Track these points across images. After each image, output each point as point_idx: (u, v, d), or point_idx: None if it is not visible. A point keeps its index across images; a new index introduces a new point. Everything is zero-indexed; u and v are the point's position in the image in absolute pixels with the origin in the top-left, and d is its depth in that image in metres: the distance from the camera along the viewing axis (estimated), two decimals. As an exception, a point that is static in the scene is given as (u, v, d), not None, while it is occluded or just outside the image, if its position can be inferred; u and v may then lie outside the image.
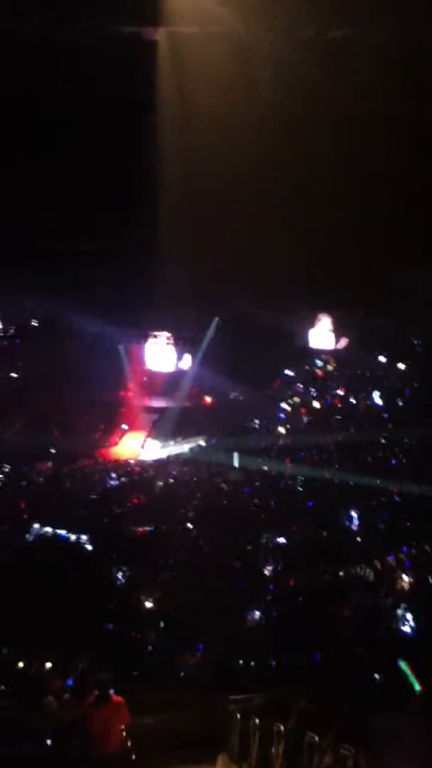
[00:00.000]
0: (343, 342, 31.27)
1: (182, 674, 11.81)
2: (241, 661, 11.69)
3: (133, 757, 6.89)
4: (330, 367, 30.30)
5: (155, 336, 31.69)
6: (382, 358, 28.59)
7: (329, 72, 20.90)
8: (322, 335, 31.57)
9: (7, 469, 24.07)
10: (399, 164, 21.75)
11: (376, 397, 26.80)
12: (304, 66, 20.99)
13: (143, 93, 23.68)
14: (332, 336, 31.10)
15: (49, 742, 7.08)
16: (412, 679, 9.17)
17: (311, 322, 31.52)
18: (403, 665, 9.32)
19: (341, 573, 15.42)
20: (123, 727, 7.23)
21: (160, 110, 24.37)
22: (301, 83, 21.48)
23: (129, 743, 7.11)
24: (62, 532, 18.53)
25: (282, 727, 7.94)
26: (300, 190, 24.05)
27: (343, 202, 23.82)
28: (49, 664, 11.15)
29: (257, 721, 8.57)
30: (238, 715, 9.29)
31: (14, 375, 31.35)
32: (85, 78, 22.09)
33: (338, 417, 26.14)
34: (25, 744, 7.10)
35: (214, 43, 21.36)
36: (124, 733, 7.22)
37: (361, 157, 22.86)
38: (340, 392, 28.22)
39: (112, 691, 7.33)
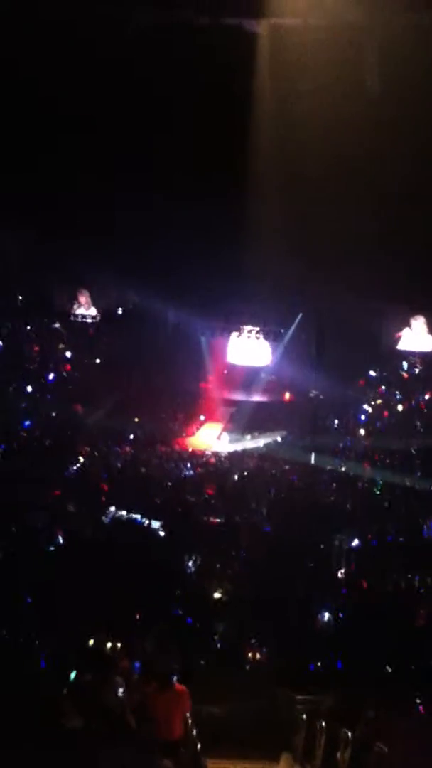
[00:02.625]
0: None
1: (248, 667, 11.75)
2: (308, 661, 11.51)
3: (198, 746, 6.87)
4: (417, 370, 29.42)
5: (241, 329, 31.63)
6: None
7: None
8: (417, 336, 30.48)
9: (89, 451, 24.66)
10: None
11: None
12: (413, 55, 20.28)
13: (243, 85, 23.59)
14: (429, 337, 29.93)
15: (115, 720, 7.14)
16: None
17: (400, 323, 30.62)
18: None
19: (417, 580, 14.99)
20: (187, 714, 7.23)
21: (259, 102, 24.22)
22: (408, 73, 20.80)
23: (194, 731, 7.10)
24: (137, 516, 18.79)
25: (350, 734, 7.75)
26: (400, 186, 23.36)
27: None
28: (118, 645, 11.34)
29: (324, 724, 8.40)
30: (305, 716, 9.15)
31: (98, 360, 32.07)
32: (185, 69, 22.20)
33: (422, 421, 25.38)
34: (93, 721, 7.19)
35: (317, 33, 21.02)
36: (189, 721, 7.22)
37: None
38: (426, 396, 27.40)
39: (175, 678, 7.36)
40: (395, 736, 7.17)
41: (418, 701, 9.13)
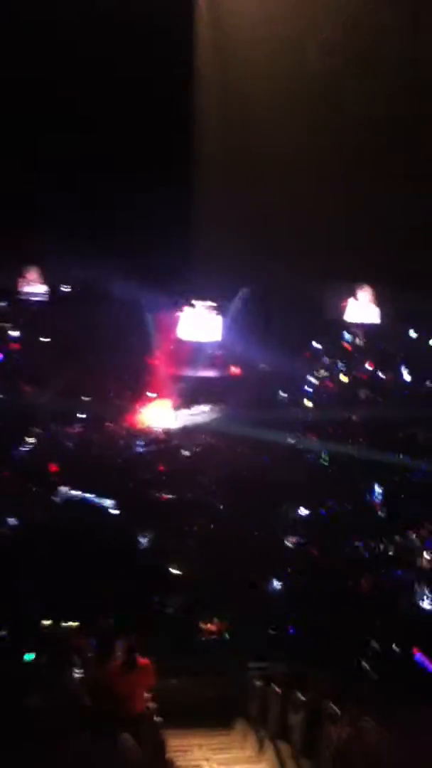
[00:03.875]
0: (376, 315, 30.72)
1: (202, 639, 12.04)
2: (261, 631, 11.87)
3: (156, 718, 7.06)
4: (359, 341, 29.92)
5: (192, 304, 31.46)
6: (413, 333, 28.20)
7: (388, 29, 20.17)
8: (362, 307, 30.80)
9: (37, 432, 24.38)
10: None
11: (405, 373, 26.56)
12: (359, 21, 20.25)
13: (185, 55, 23.25)
14: (374, 309, 30.28)
15: (73, 699, 7.26)
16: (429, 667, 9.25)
17: (344, 294, 30.95)
18: (418, 659, 9.41)
19: (362, 547, 15.53)
20: (148, 689, 7.41)
21: (202, 75, 23.92)
22: (352, 42, 20.79)
23: (152, 704, 7.29)
24: (89, 495, 18.80)
25: (302, 697, 8.09)
26: (342, 156, 23.50)
27: (391, 170, 23.23)
28: (73, 623, 11.45)
29: (277, 689, 8.73)
30: (258, 683, 9.49)
31: (44, 339, 31.55)
32: (121, 42, 21.75)
33: (366, 392, 25.97)
34: (49, 701, 7.30)
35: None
36: (149, 695, 7.40)
37: (413, 123, 22.19)
38: (369, 367, 27.96)
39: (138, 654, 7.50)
40: (348, 697, 7.52)
41: (363, 663, 9.57)
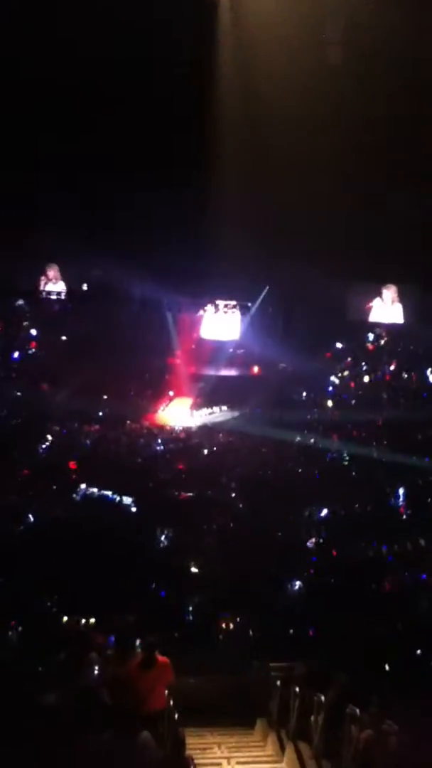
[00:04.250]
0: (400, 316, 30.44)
1: (222, 638, 11.96)
2: (281, 630, 11.76)
3: (176, 716, 6.99)
4: (382, 342, 29.69)
5: (216, 304, 31.46)
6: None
7: (407, 29, 19.96)
8: (386, 307, 30.52)
9: (57, 430, 24.50)
10: None
11: (430, 375, 26.29)
12: (375, 24, 20.10)
13: (204, 58, 23.21)
14: (399, 308, 29.96)
15: (92, 697, 7.21)
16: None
17: (369, 294, 30.71)
18: None
19: (384, 549, 15.35)
20: (167, 687, 7.35)
21: (222, 77, 23.87)
22: (370, 44, 20.64)
23: (172, 703, 7.23)
24: (108, 493, 18.82)
25: (322, 697, 7.98)
26: (366, 156, 23.33)
27: (410, 169, 23.01)
28: (92, 621, 11.43)
29: (297, 689, 8.63)
30: (279, 683, 9.39)
31: (64, 338, 31.72)
32: (141, 38, 21.73)
33: (388, 393, 25.75)
34: (67, 699, 7.27)
35: (279, 5, 20.72)
36: (167, 693, 7.33)
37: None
38: (392, 367, 27.73)
39: (157, 652, 7.44)
40: (370, 699, 7.40)
41: (387, 665, 9.43)
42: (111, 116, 23.28)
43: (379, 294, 30.17)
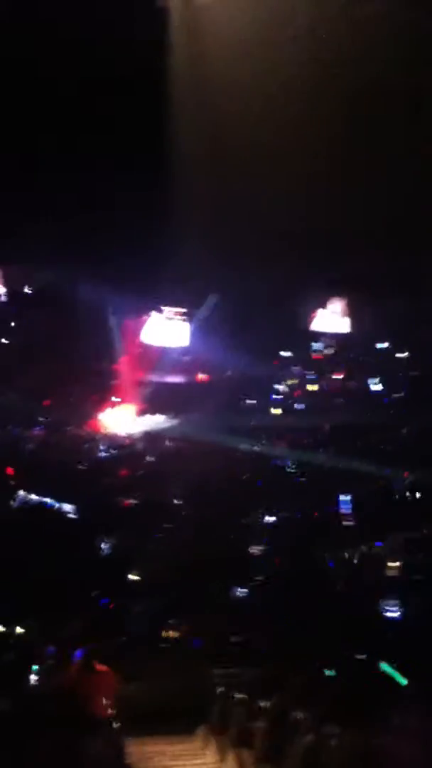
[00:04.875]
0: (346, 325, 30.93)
1: (166, 646, 11.77)
2: (225, 637, 11.65)
3: (117, 725, 6.79)
4: (330, 351, 30.11)
5: (160, 310, 31.30)
6: (384, 345, 28.47)
7: (361, 30, 20.18)
8: (333, 317, 30.96)
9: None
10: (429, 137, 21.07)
11: (375, 384, 26.77)
12: (338, 22, 20.22)
13: (161, 57, 23.09)
14: (346, 319, 30.41)
15: (34, 706, 6.98)
16: (397, 676, 9.15)
17: (316, 303, 31.12)
18: (384, 666, 9.31)
19: (327, 556, 15.46)
20: (107, 695, 7.14)
21: (177, 77, 23.80)
22: (333, 41, 20.74)
23: (113, 711, 7.02)
24: (47, 500, 18.41)
25: (266, 704, 7.88)
26: (318, 164, 23.50)
27: (364, 175, 23.24)
28: (31, 629, 11.09)
29: (240, 696, 8.52)
30: (221, 689, 9.26)
31: (5, 341, 31.05)
32: (96, 41, 21.50)
33: (335, 401, 26.10)
34: (10, 708, 7.00)
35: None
36: (108, 701, 7.13)
37: (385, 128, 22.16)
38: (339, 376, 28.14)
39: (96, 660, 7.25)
40: (313, 704, 7.35)
41: (330, 671, 9.40)
42: (65, 114, 22.91)
43: (327, 303, 30.66)
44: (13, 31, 20.48)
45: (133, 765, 6.63)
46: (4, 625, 11.23)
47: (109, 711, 7.12)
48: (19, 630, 11.07)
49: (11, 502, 18.29)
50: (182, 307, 31.30)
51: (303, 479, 19.76)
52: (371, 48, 20.32)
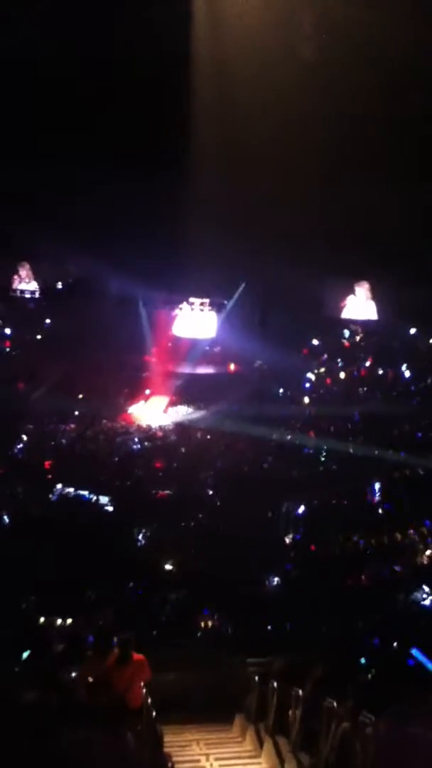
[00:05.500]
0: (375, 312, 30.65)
1: (200, 635, 11.97)
2: (259, 626, 11.80)
3: (154, 713, 6.97)
4: (358, 338, 29.89)
5: (190, 301, 31.39)
6: (413, 330, 28.17)
7: (382, 25, 19.97)
8: (360, 303, 30.70)
9: (32, 429, 24.31)
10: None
11: (405, 370, 26.52)
12: (351, 16, 20.07)
13: (179, 50, 23.04)
14: (372, 305, 30.15)
15: (73, 696, 7.19)
16: (428, 664, 9.19)
17: (343, 290, 30.88)
18: (416, 654, 9.35)
19: (362, 543, 15.48)
20: (143, 684, 7.33)
21: (197, 69, 23.72)
22: (347, 35, 20.59)
23: (149, 700, 7.21)
24: (84, 493, 18.72)
25: (300, 692, 8.01)
26: (341, 151, 23.33)
27: (387, 165, 23.06)
28: (69, 620, 11.38)
29: (275, 684, 8.65)
30: (257, 678, 9.41)
31: (39, 337, 31.49)
32: (116, 31, 21.50)
33: (365, 389, 25.94)
34: (46, 697, 7.22)
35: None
36: (145, 690, 7.32)
37: (410, 117, 21.97)
38: (368, 363, 27.94)
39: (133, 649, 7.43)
40: (346, 692, 7.44)
41: (364, 658, 9.50)
42: (85, 112, 23.06)
43: (353, 290, 30.40)
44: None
45: (171, 753, 6.80)
46: (41, 616, 11.55)
47: (146, 700, 7.32)
48: (59, 621, 11.38)
49: (50, 496, 18.64)
50: (210, 298, 31.34)
51: (334, 468, 19.74)
52: (398, 37, 20.06)
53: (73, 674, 7.67)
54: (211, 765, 8.10)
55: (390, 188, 23.36)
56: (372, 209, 24.15)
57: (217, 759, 8.29)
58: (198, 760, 8.28)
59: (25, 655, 8.53)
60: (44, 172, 24.16)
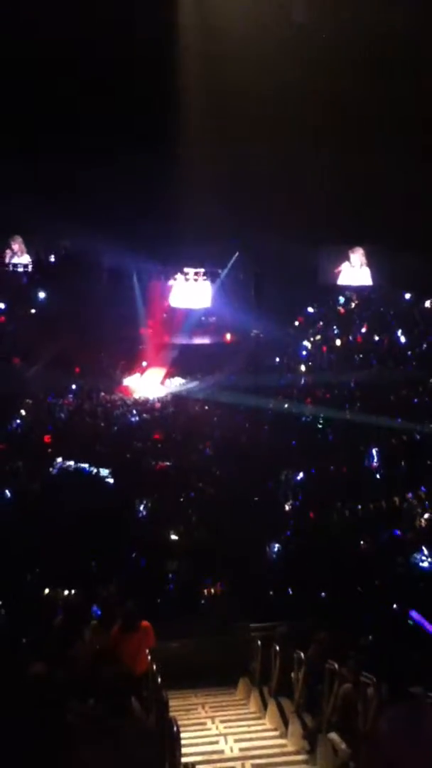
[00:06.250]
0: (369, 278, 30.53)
1: (203, 602, 12.14)
2: (261, 592, 11.97)
3: (159, 679, 7.11)
4: (353, 305, 29.82)
5: (184, 271, 31.18)
6: (407, 296, 28.09)
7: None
8: (355, 270, 30.54)
9: (30, 404, 24.33)
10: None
11: (401, 336, 26.51)
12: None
13: (167, 22, 22.63)
14: (367, 271, 29.98)
15: (79, 667, 7.30)
16: (426, 625, 9.33)
17: (337, 257, 30.72)
18: (414, 615, 9.48)
19: (359, 508, 15.63)
20: (148, 650, 7.47)
21: (185, 41, 23.33)
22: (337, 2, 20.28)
23: (155, 666, 7.35)
24: (84, 466, 18.81)
25: (302, 655, 8.17)
26: (331, 119, 23.09)
27: (379, 130, 22.86)
28: (72, 591, 11.51)
29: (278, 648, 8.82)
30: (260, 642, 9.59)
31: (33, 311, 31.34)
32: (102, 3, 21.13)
33: (360, 355, 25.95)
34: (57, 668, 7.35)
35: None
36: (149, 657, 7.45)
37: (398, 85, 21.71)
38: (363, 330, 27.92)
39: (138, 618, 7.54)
40: (348, 655, 7.60)
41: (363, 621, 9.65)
42: (74, 85, 22.71)
43: (347, 257, 30.23)
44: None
45: (177, 717, 6.95)
46: (50, 588, 11.67)
47: (153, 665, 7.46)
48: (65, 592, 11.50)
49: (50, 470, 18.73)
50: (204, 267, 31.15)
51: (332, 435, 19.84)
52: (389, 16, 19.73)
53: (79, 645, 7.80)
54: (217, 727, 8.30)
55: (385, 154, 23.15)
56: (366, 174, 23.95)
57: (222, 721, 8.49)
58: (204, 723, 8.49)
59: (30, 627, 8.64)
60: (38, 145, 23.90)
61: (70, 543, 12.73)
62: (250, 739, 7.84)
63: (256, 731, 8.25)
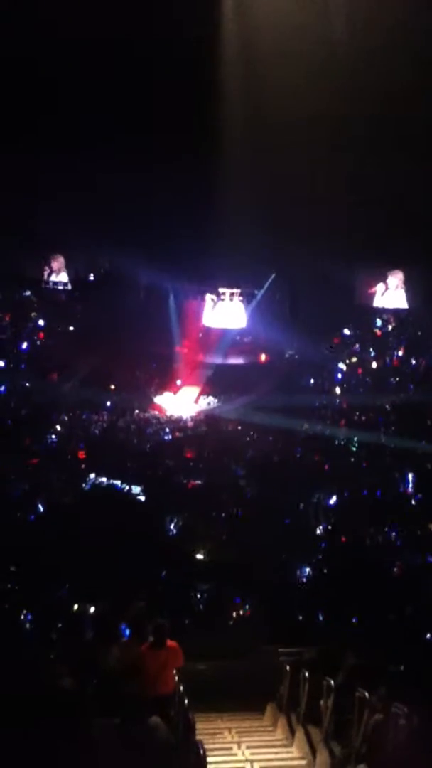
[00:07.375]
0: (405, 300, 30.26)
1: (232, 624, 12.03)
2: (291, 616, 11.82)
3: (186, 701, 7.05)
4: (390, 327, 29.57)
5: (219, 291, 31.38)
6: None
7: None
8: (391, 292, 30.34)
9: (65, 420, 24.61)
10: None
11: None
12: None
13: (210, 40, 22.93)
14: (402, 293, 29.73)
15: (108, 683, 7.29)
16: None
17: (375, 279, 30.56)
18: None
19: (393, 534, 15.38)
20: (176, 671, 7.41)
21: (227, 59, 23.60)
22: (376, 18, 20.26)
23: (182, 687, 7.29)
24: (117, 482, 18.89)
25: (332, 682, 8.01)
26: (373, 140, 23.04)
27: (416, 151, 22.69)
28: (101, 607, 11.51)
29: (307, 674, 8.67)
30: (288, 668, 9.44)
31: (72, 328, 31.81)
32: (141, 17, 21.44)
33: (397, 378, 25.68)
34: (79, 683, 7.35)
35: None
36: (177, 677, 7.40)
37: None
38: (400, 353, 27.65)
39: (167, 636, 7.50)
40: (375, 683, 7.43)
41: (396, 649, 9.44)
42: (113, 103, 23.11)
43: (385, 279, 30.04)
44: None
45: (203, 740, 6.87)
46: (74, 603, 11.70)
47: (180, 686, 7.40)
48: (93, 609, 11.51)
49: (83, 486, 18.86)
50: (240, 287, 31.28)
51: (366, 459, 19.61)
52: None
53: (107, 661, 7.79)
54: (243, 753, 8.17)
55: (422, 175, 23.00)
56: (403, 196, 23.83)
57: (248, 747, 8.36)
58: (230, 747, 8.36)
59: (59, 640, 8.67)
60: (76, 165, 24.35)
61: (101, 559, 12.76)
62: (277, 767, 7.69)
63: (283, 759, 8.09)
